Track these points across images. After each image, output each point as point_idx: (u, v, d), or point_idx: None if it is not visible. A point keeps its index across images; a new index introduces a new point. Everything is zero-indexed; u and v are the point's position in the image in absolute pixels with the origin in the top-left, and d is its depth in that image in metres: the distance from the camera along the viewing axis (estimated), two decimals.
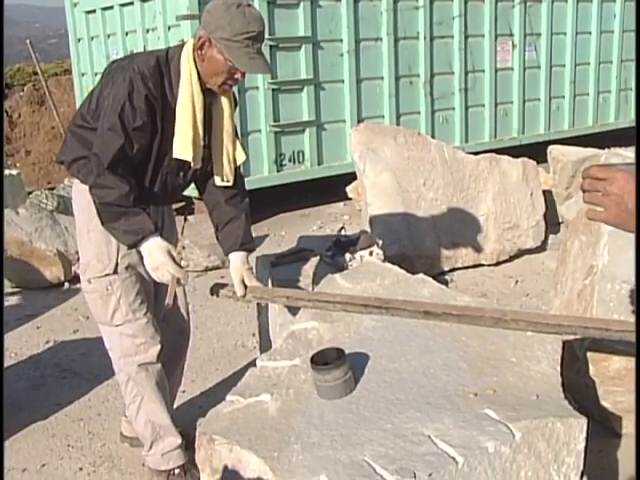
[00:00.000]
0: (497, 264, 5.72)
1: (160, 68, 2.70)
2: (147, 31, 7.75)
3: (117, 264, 2.86)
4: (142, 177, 2.80)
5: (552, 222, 6.30)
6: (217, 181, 2.90)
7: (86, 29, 8.92)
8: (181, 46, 2.78)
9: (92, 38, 8.91)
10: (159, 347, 2.97)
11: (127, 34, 8.13)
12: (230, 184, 2.92)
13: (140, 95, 2.61)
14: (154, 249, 2.69)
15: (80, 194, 2.83)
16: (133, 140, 2.64)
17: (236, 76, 2.73)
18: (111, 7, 8.24)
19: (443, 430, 1.93)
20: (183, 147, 2.72)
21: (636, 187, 1.27)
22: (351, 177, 6.80)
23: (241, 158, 2.99)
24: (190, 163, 2.75)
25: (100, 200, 2.64)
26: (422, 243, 5.29)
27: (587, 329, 2.38)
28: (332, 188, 7.69)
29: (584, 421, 2.01)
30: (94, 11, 8.63)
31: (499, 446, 1.88)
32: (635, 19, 10.45)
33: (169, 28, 7.33)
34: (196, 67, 2.72)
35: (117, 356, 2.96)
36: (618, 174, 1.51)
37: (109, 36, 8.51)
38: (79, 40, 9.20)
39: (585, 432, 2.00)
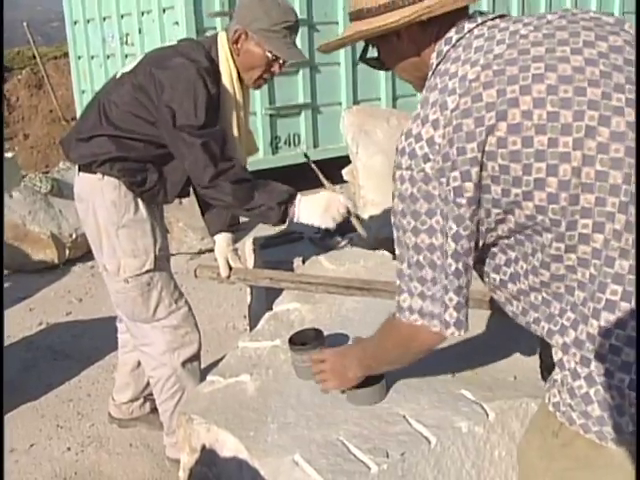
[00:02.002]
0: None
1: (213, 67, 2.68)
2: (142, 14, 7.73)
3: (156, 257, 2.83)
4: (179, 172, 2.79)
5: None
6: None
7: (82, 12, 8.91)
8: (214, 40, 2.74)
9: (88, 21, 8.90)
10: (199, 333, 2.98)
11: (122, 17, 8.13)
12: None
13: (210, 94, 2.60)
14: (310, 198, 2.67)
15: (103, 191, 2.74)
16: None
17: (273, 69, 2.74)
18: None
19: (418, 410, 1.94)
20: (234, 146, 2.74)
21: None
22: (347, 160, 6.77)
23: (255, 150, 3.02)
24: None
25: (231, 181, 2.59)
26: None
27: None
28: (328, 171, 7.67)
29: None
30: None
31: (472, 426, 1.88)
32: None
33: (164, 10, 7.33)
34: (234, 63, 2.71)
35: (160, 351, 2.91)
36: (327, 354, 2.00)
37: (105, 19, 8.50)
38: (75, 23, 9.20)
39: None
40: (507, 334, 2.38)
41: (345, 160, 7.05)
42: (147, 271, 2.81)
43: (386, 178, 5.64)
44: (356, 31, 1.61)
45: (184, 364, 2.93)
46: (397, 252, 1.61)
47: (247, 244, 3.80)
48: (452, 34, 1.53)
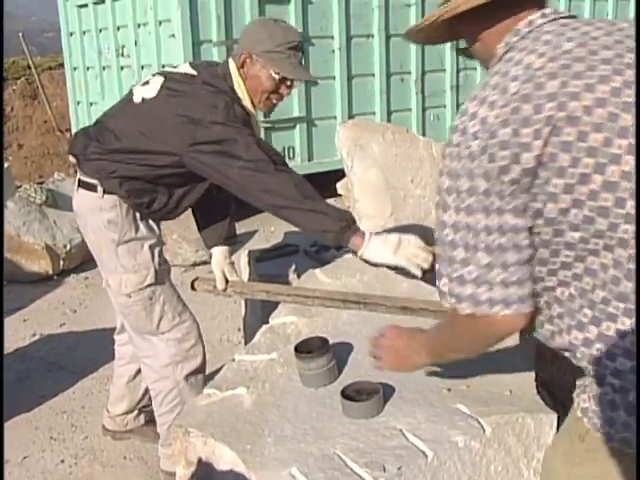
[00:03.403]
0: None
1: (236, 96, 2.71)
2: (138, 26, 7.75)
3: (156, 271, 2.83)
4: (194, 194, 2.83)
5: None
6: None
7: (78, 23, 8.92)
8: (226, 66, 2.75)
9: (84, 32, 8.91)
10: (203, 347, 2.98)
11: (119, 29, 8.13)
12: None
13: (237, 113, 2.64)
14: (378, 238, 2.57)
15: (102, 210, 2.74)
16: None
17: (281, 90, 2.74)
18: (103, 1, 8.24)
19: (415, 424, 1.95)
20: None
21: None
22: (342, 174, 6.77)
23: None
24: None
25: (294, 175, 2.62)
26: None
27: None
28: (322, 184, 7.68)
29: (554, 416, 2.02)
30: (86, 5, 8.63)
31: (469, 440, 1.89)
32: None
33: (160, 23, 7.33)
34: (246, 89, 2.72)
35: (163, 363, 2.91)
36: (392, 332, 1.93)
37: (101, 30, 8.51)
38: (71, 34, 9.21)
39: (555, 427, 2.02)
40: (502, 347, 2.39)
41: (340, 174, 7.06)
42: (149, 285, 2.82)
43: (381, 192, 5.66)
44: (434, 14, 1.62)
45: (187, 377, 2.93)
46: (436, 235, 1.55)
47: (243, 257, 3.81)
48: (522, 26, 1.54)
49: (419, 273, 2.50)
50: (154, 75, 2.83)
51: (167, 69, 2.90)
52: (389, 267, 2.66)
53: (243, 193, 2.63)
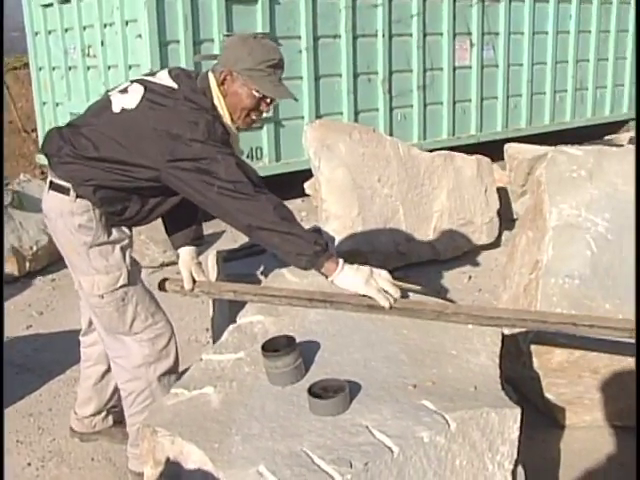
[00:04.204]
0: (451, 260, 5.78)
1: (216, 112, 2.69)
2: (105, 26, 7.70)
3: (129, 272, 2.82)
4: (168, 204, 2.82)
5: (507, 219, 6.38)
6: None
7: (43, 23, 8.83)
8: (206, 81, 2.72)
9: (49, 32, 8.82)
10: (176, 347, 2.97)
11: (85, 29, 8.07)
12: None
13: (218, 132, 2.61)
14: (351, 267, 2.59)
15: (73, 214, 2.72)
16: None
17: (261, 107, 2.73)
18: (68, 1, 8.16)
19: (381, 421, 1.97)
20: None
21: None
22: (309, 174, 6.82)
23: None
24: None
25: (272, 199, 2.57)
26: (376, 239, 5.33)
27: (525, 321, 2.44)
28: (290, 184, 7.72)
29: (518, 411, 2.06)
30: (51, 4, 8.54)
31: (434, 436, 1.92)
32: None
33: (127, 23, 7.29)
34: (226, 105, 2.71)
35: (135, 364, 2.89)
36: None
37: (66, 30, 8.43)
38: (36, 34, 9.11)
39: (519, 422, 2.05)
40: (467, 345, 2.43)
41: (308, 174, 7.11)
42: (121, 286, 2.80)
43: (348, 191, 5.70)
44: None
45: (160, 378, 2.92)
46: None
47: (210, 257, 3.81)
48: None
49: (387, 305, 2.53)
50: (132, 82, 2.78)
51: (146, 78, 2.81)
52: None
53: (220, 212, 2.61)
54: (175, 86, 2.69)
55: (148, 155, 2.59)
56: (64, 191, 2.72)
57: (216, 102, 2.69)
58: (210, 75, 2.72)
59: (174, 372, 2.97)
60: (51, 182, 2.77)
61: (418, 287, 2.87)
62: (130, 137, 2.62)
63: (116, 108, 2.69)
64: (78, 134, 2.74)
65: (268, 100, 2.72)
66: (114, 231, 2.80)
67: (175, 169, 2.56)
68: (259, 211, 2.54)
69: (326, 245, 2.60)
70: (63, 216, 2.75)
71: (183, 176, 2.56)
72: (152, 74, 2.83)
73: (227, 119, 2.71)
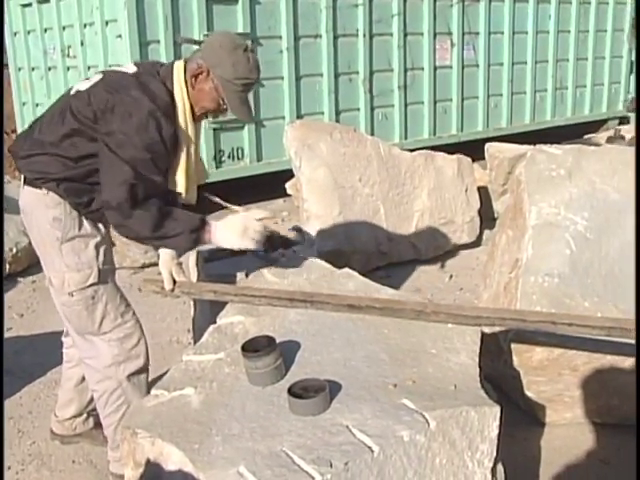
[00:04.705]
0: (432, 259, 5.81)
1: (172, 102, 2.70)
2: (84, 26, 7.65)
3: (100, 271, 2.82)
4: None
5: (487, 218, 6.42)
6: (180, 199, 2.87)
7: (22, 23, 8.76)
8: (169, 72, 2.74)
9: (29, 32, 8.75)
10: (146, 347, 2.97)
11: (64, 29, 8.01)
12: (193, 203, 2.93)
13: (167, 132, 2.64)
14: (226, 222, 2.69)
15: (47, 207, 2.74)
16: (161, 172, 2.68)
17: (219, 112, 2.82)
18: (48, 0, 8.10)
19: (361, 420, 1.97)
20: (180, 181, 2.78)
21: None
22: (290, 174, 6.83)
23: (205, 178, 3.05)
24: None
25: (137, 209, 2.59)
26: (358, 239, 5.35)
27: (504, 320, 2.46)
28: (272, 184, 7.71)
29: (497, 409, 2.07)
30: (30, 4, 8.47)
31: (414, 435, 1.93)
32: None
33: (107, 23, 7.25)
34: (188, 94, 2.73)
35: (105, 364, 2.89)
36: None
37: (46, 30, 8.38)
38: (15, 34, 9.04)
39: (498, 420, 2.06)
40: (447, 344, 2.44)
41: (289, 174, 7.11)
42: (91, 285, 2.81)
43: (329, 191, 5.72)
44: None
45: (129, 377, 2.92)
46: None
47: (191, 257, 3.79)
48: None
49: (260, 247, 2.75)
50: (98, 73, 2.86)
51: (113, 68, 2.91)
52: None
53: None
54: (133, 70, 2.75)
55: (85, 129, 2.65)
56: (37, 185, 2.75)
57: (176, 91, 2.71)
58: (179, 63, 2.76)
59: (144, 371, 2.98)
60: (24, 177, 2.81)
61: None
62: (77, 117, 2.67)
63: (72, 92, 2.78)
64: (37, 125, 2.81)
65: (228, 110, 2.78)
66: (87, 226, 2.81)
67: (102, 143, 2.60)
68: (134, 227, 2.61)
69: (201, 223, 2.66)
70: (39, 209, 2.77)
71: (101, 153, 2.61)
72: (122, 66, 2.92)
73: (183, 109, 2.72)
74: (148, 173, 2.60)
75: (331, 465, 1.80)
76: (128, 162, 2.55)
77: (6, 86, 11.47)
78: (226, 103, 2.71)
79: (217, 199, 2.83)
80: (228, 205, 2.82)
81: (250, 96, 2.80)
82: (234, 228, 2.68)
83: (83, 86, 2.76)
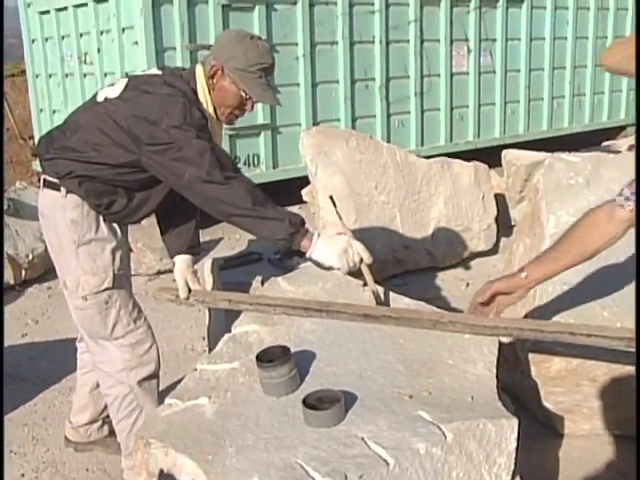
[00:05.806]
0: (449, 267, 5.76)
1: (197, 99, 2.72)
2: (101, 33, 7.69)
3: (115, 275, 2.82)
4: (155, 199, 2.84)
5: (504, 225, 6.36)
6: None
7: (40, 30, 8.83)
8: (192, 73, 2.76)
9: (46, 39, 8.82)
10: (157, 353, 2.98)
11: (81, 36, 8.06)
12: None
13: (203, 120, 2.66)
14: (330, 238, 2.73)
15: (65, 209, 2.75)
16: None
17: (246, 107, 2.79)
18: (65, 8, 8.16)
19: (376, 432, 1.94)
20: None
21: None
22: (306, 181, 6.80)
23: None
24: None
25: (245, 183, 2.61)
26: (373, 246, 5.26)
27: (522, 331, 2.42)
28: (287, 191, 7.69)
29: (515, 422, 2.03)
30: (48, 12, 8.54)
31: (430, 447, 1.90)
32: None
33: (123, 30, 7.29)
34: (211, 97, 2.74)
35: (117, 369, 2.90)
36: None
37: (63, 37, 8.43)
38: (33, 41, 9.10)
39: (516, 432, 2.03)
40: (463, 355, 2.40)
41: (305, 181, 7.08)
42: (105, 289, 2.81)
43: (345, 198, 5.68)
44: None
45: (140, 383, 2.92)
46: None
47: (206, 266, 3.79)
48: None
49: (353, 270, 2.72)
50: (122, 78, 2.88)
51: (135, 73, 2.93)
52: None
53: (196, 198, 2.67)
54: (159, 73, 2.78)
55: (126, 139, 2.64)
56: (55, 187, 2.76)
57: (199, 92, 2.73)
58: (199, 66, 2.78)
59: (155, 377, 2.99)
60: (44, 180, 2.82)
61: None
62: (109, 122, 2.67)
63: (100, 98, 2.78)
64: (64, 130, 2.82)
65: (254, 100, 2.76)
66: (104, 229, 2.81)
67: (152, 153, 2.60)
68: (232, 198, 2.58)
69: (302, 223, 2.66)
70: (57, 212, 2.78)
71: (159, 159, 2.60)
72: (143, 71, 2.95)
73: (210, 109, 2.75)
74: (214, 145, 2.63)
75: (346, 478, 1.77)
76: (193, 138, 2.56)
77: (24, 93, 11.54)
78: (248, 93, 2.70)
79: (340, 215, 2.83)
80: (341, 215, 2.82)
81: (271, 81, 2.77)
82: (337, 246, 2.68)
83: (112, 93, 2.74)
